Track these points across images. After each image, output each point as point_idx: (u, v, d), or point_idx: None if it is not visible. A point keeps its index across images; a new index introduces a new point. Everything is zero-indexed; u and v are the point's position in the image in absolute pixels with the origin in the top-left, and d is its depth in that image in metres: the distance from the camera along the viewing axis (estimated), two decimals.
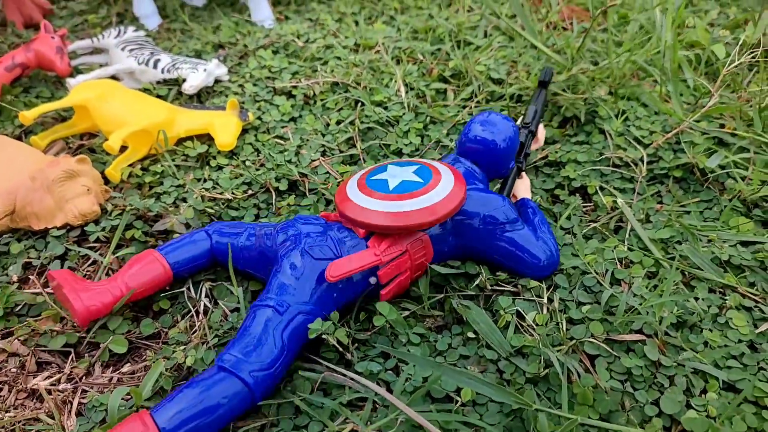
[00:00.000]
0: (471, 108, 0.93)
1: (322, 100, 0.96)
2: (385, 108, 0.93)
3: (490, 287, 0.63)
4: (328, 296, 0.57)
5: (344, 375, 0.53)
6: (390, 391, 0.53)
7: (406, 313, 0.61)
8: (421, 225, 0.58)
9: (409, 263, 0.60)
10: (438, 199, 0.59)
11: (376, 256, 0.58)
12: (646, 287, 0.63)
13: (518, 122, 0.78)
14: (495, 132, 0.67)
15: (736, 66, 0.79)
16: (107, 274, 0.68)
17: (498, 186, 0.73)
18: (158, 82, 1.00)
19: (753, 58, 0.88)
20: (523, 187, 0.73)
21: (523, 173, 0.75)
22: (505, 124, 0.68)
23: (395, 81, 0.98)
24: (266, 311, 0.54)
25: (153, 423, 0.46)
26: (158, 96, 0.98)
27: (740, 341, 0.58)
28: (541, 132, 0.80)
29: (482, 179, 0.68)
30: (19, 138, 0.91)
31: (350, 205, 0.60)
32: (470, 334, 0.58)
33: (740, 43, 0.93)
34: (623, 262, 0.67)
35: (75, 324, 0.60)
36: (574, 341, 0.57)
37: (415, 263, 0.60)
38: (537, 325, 0.59)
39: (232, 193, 0.78)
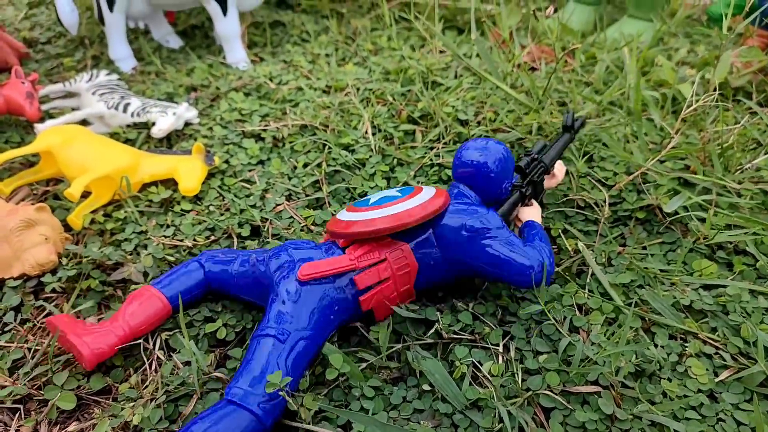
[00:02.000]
0: (438, 149, 0.93)
1: (290, 142, 0.96)
2: (352, 151, 0.93)
3: (446, 336, 0.62)
4: (326, 319, 0.58)
5: None
6: None
7: (363, 365, 0.60)
8: (380, 230, 0.60)
9: (390, 272, 0.61)
10: (407, 208, 0.61)
11: (350, 261, 0.60)
12: (605, 335, 0.62)
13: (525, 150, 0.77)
14: (484, 153, 0.67)
15: (694, 108, 0.80)
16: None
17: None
18: (128, 126, 1.00)
19: (713, 99, 0.89)
20: (530, 213, 0.72)
21: (534, 201, 0.74)
22: (495, 146, 0.68)
23: (363, 123, 0.98)
24: (268, 341, 0.55)
25: None
26: (127, 140, 0.98)
27: (699, 391, 0.58)
28: (560, 168, 0.79)
29: (475, 200, 0.67)
30: None
31: (334, 221, 0.64)
32: (426, 387, 0.57)
33: (699, 83, 0.95)
34: (582, 308, 0.66)
35: (82, 366, 0.60)
36: (529, 393, 0.56)
37: (397, 272, 0.61)
38: (492, 376, 0.58)
39: (194, 239, 0.77)
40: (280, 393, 0.51)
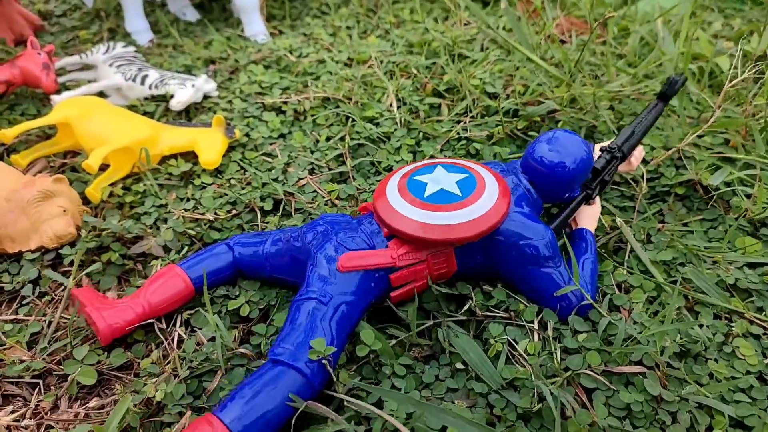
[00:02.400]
0: (465, 123, 0.90)
1: (312, 115, 0.93)
2: (376, 124, 0.90)
3: (481, 313, 0.59)
4: (367, 285, 0.56)
5: (328, 407, 0.50)
6: (370, 429, 0.49)
7: (393, 341, 0.57)
8: (434, 242, 0.57)
9: (426, 273, 0.58)
10: (466, 220, 0.56)
11: (392, 259, 0.57)
12: (647, 313, 0.59)
13: (602, 145, 0.70)
14: (562, 154, 0.61)
15: (739, 80, 0.75)
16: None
17: (557, 211, 0.69)
18: (146, 99, 0.98)
19: (757, 72, 0.85)
20: (588, 215, 0.67)
21: (597, 199, 0.68)
22: (577, 145, 0.61)
23: (387, 96, 0.95)
24: (310, 303, 0.53)
25: (220, 422, 0.46)
26: (145, 112, 0.95)
27: (748, 372, 0.55)
28: (638, 155, 0.71)
29: (534, 202, 0.62)
30: (0, 157, 0.89)
31: (383, 202, 0.60)
32: (459, 365, 0.55)
33: (743, 55, 0.90)
34: (622, 286, 0.63)
35: (98, 341, 0.59)
36: (569, 372, 0.53)
37: (434, 274, 0.59)
38: (529, 354, 0.55)
39: (215, 213, 0.75)
40: (324, 361, 0.49)
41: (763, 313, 0.61)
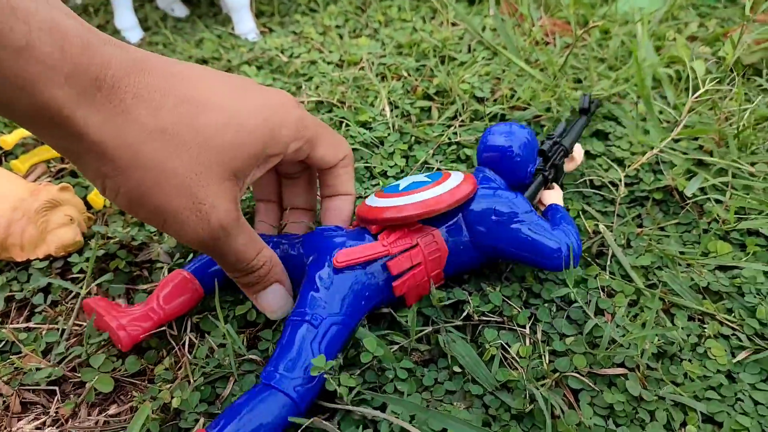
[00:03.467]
0: (455, 127, 0.93)
1: None
2: (370, 128, 0.93)
3: (477, 318, 0.63)
4: (357, 304, 0.59)
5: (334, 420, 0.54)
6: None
7: (395, 347, 0.61)
8: (410, 217, 0.61)
9: (422, 256, 0.62)
10: (436, 194, 0.62)
11: (383, 247, 0.61)
12: (628, 316, 0.64)
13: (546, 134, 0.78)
14: (509, 138, 0.67)
15: (704, 90, 0.80)
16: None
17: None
18: None
19: (727, 80, 0.89)
20: (552, 196, 0.73)
21: (555, 185, 0.75)
22: (519, 130, 0.68)
23: (380, 100, 0.98)
24: (302, 326, 0.56)
25: None
26: None
27: (718, 371, 0.60)
28: (578, 151, 0.80)
29: (500, 184, 0.68)
30: None
31: (364, 207, 0.65)
32: (456, 368, 0.59)
33: (717, 60, 0.95)
34: (605, 290, 0.68)
35: (118, 348, 0.61)
36: (557, 374, 0.58)
37: (429, 257, 0.62)
38: (521, 357, 0.59)
39: None
40: (325, 376, 0.53)
41: (733, 314, 0.66)
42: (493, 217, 0.63)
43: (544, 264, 0.62)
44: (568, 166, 0.79)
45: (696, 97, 0.81)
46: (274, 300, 0.61)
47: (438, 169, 0.69)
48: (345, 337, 0.59)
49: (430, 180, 0.65)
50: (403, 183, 0.66)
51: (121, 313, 0.60)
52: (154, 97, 0.45)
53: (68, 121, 0.41)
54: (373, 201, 0.65)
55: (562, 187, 0.80)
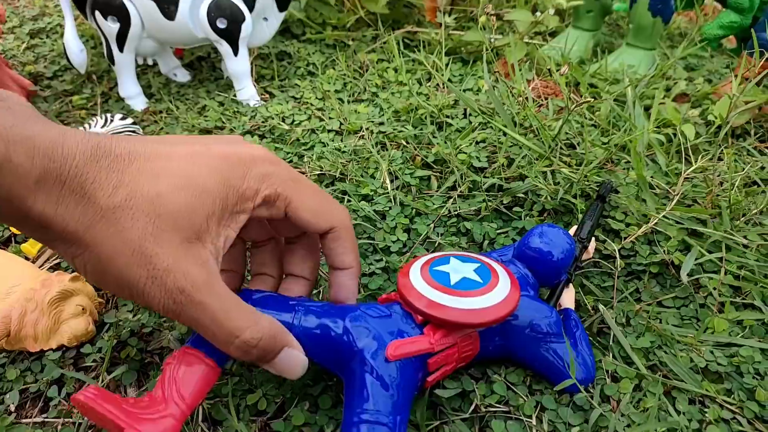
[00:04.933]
0: (455, 198, 0.96)
1: None
2: (371, 201, 0.96)
3: (484, 409, 0.65)
4: (411, 397, 0.59)
5: None
6: None
7: None
8: (464, 325, 0.61)
9: (456, 356, 0.63)
10: (488, 305, 0.61)
11: (430, 344, 0.61)
12: (632, 402, 0.66)
13: (573, 234, 0.80)
14: (552, 245, 0.70)
15: (694, 169, 0.83)
16: None
17: (546, 295, 0.76)
18: None
19: (719, 150, 0.92)
20: (567, 297, 0.76)
21: (570, 284, 0.77)
22: (563, 238, 0.71)
23: (380, 172, 1.01)
24: (380, 429, 0.55)
25: None
26: None
27: None
28: (592, 245, 0.82)
29: (533, 285, 0.71)
30: (7, 240, 0.91)
31: (415, 294, 0.62)
32: None
33: (706, 123, 0.98)
34: (610, 374, 0.70)
35: None
36: None
37: (461, 356, 0.63)
38: None
39: None
40: None
41: (732, 396, 0.68)
42: (529, 331, 0.66)
43: (559, 382, 0.65)
44: (582, 256, 0.81)
45: (688, 173, 0.84)
46: (289, 366, 0.59)
47: (473, 257, 0.69)
48: None
49: (482, 282, 0.64)
50: (454, 276, 0.64)
51: (138, 419, 0.53)
52: (111, 178, 0.50)
53: (39, 218, 0.47)
54: (422, 286, 0.63)
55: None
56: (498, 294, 0.63)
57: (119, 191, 0.50)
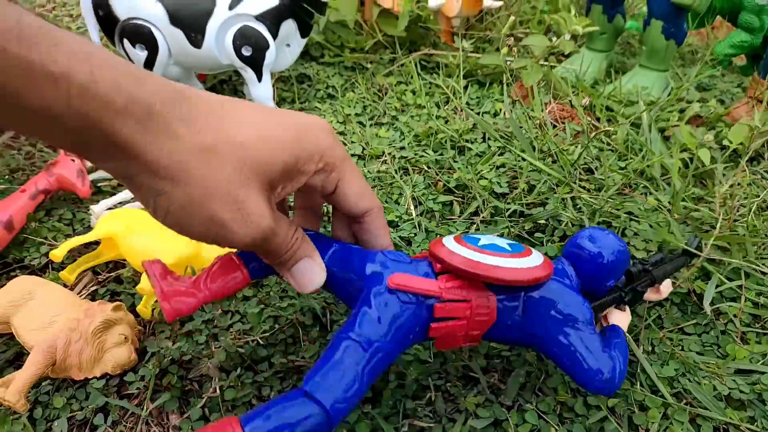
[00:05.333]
0: (477, 224, 0.98)
1: None
2: (396, 227, 0.98)
3: None
4: (405, 337, 0.60)
5: None
6: None
7: None
8: (478, 276, 0.60)
9: (468, 313, 0.62)
10: (511, 266, 0.62)
11: (438, 289, 0.61)
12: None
13: (640, 258, 0.78)
14: (602, 246, 0.68)
15: (719, 182, 0.85)
16: (146, 424, 0.72)
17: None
18: None
19: (735, 178, 0.95)
20: (619, 317, 0.73)
21: (627, 308, 0.74)
22: (614, 241, 0.69)
23: (404, 198, 1.03)
24: (353, 346, 0.56)
25: (241, 430, 0.50)
26: None
27: None
28: (667, 286, 0.79)
29: (574, 283, 0.68)
30: (44, 267, 0.94)
31: (439, 244, 0.65)
32: None
33: (721, 147, 1.00)
34: (636, 403, 0.72)
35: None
36: None
37: (474, 318, 0.62)
38: None
39: (262, 332, 0.82)
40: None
41: (755, 423, 0.70)
42: (552, 312, 0.63)
43: (577, 379, 0.64)
44: (651, 296, 0.79)
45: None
46: (306, 274, 0.62)
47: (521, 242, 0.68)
48: (386, 366, 0.59)
49: (510, 250, 0.64)
50: (484, 239, 0.65)
51: (173, 291, 0.60)
52: (197, 121, 0.51)
53: (126, 145, 0.47)
54: (450, 243, 0.65)
55: (632, 311, 0.82)
56: (524, 263, 0.63)
57: (206, 134, 0.51)
